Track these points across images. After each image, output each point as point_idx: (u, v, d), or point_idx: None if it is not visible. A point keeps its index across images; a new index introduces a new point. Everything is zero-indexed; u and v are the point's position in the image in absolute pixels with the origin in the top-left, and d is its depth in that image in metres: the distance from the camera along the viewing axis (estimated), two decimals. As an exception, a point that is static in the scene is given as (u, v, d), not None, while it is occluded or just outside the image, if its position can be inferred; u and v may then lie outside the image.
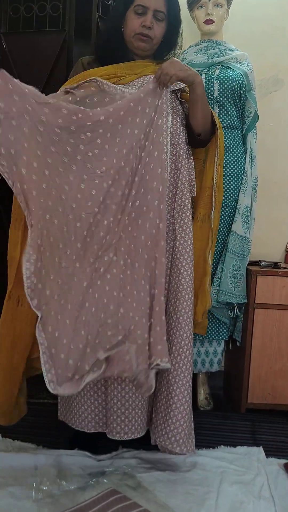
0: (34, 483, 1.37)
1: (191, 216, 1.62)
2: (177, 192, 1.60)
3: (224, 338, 2.14)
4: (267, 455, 1.65)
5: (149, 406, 1.60)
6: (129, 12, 1.56)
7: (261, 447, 1.69)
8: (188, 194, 1.61)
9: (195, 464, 1.57)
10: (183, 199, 1.59)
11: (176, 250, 1.60)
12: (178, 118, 1.59)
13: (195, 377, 2.21)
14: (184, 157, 1.60)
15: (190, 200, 1.62)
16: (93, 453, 1.59)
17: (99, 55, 1.62)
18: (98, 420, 1.55)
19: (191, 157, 1.70)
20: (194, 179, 1.69)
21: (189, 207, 1.61)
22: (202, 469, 1.54)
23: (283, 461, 1.61)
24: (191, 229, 1.61)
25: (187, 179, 1.62)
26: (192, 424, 1.56)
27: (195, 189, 1.69)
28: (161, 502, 1.33)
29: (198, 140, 1.64)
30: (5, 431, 1.69)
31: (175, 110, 1.59)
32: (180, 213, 1.60)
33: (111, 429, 1.51)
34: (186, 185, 1.60)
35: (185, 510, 1.31)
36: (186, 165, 1.61)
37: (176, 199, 1.60)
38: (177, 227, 1.60)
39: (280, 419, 1.98)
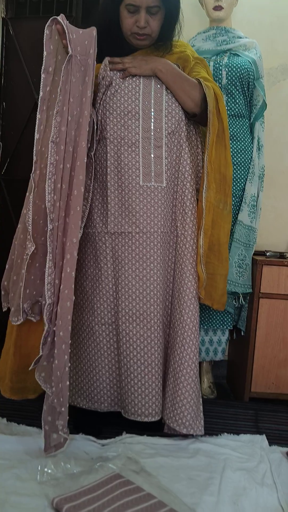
0: (39, 466, 1.38)
1: (194, 209, 1.63)
2: (178, 189, 1.62)
3: (229, 327, 2.14)
4: (270, 443, 1.66)
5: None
6: (121, 7, 1.53)
7: (264, 435, 1.70)
8: (190, 188, 1.62)
9: (198, 450, 1.57)
10: (184, 195, 1.62)
11: (179, 239, 1.63)
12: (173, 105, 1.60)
13: (199, 365, 2.21)
14: (186, 149, 1.62)
15: (193, 193, 1.63)
16: (97, 438, 1.60)
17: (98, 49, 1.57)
18: (113, 398, 1.58)
19: (199, 147, 1.69)
20: (201, 169, 1.69)
21: (192, 201, 1.62)
22: (205, 456, 1.54)
23: (286, 449, 1.62)
24: (194, 221, 1.62)
25: (190, 172, 1.63)
26: (201, 406, 1.59)
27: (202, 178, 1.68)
28: (164, 487, 1.34)
29: (196, 120, 1.65)
30: (10, 416, 1.71)
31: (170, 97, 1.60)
32: (181, 210, 1.62)
33: (127, 409, 1.53)
34: (188, 178, 1.62)
35: (187, 495, 1.32)
36: (189, 158, 1.63)
37: (177, 196, 1.62)
38: (178, 224, 1.63)
39: (283, 408, 1.98)
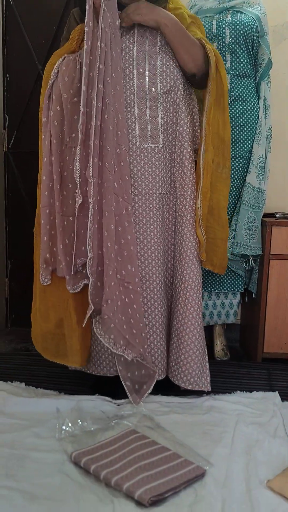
0: (57, 424, 1.43)
1: (193, 169, 1.63)
2: (176, 149, 1.61)
3: (240, 290, 2.16)
4: (283, 400, 1.68)
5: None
6: None
7: (276, 392, 1.72)
8: (188, 148, 1.61)
9: (212, 407, 1.61)
10: (182, 155, 1.61)
11: (178, 201, 1.63)
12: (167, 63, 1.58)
13: (211, 329, 2.24)
14: (183, 108, 1.60)
15: (191, 153, 1.63)
16: (113, 398, 1.65)
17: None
18: None
19: (195, 107, 1.68)
20: (199, 130, 1.68)
21: (190, 161, 1.62)
22: (218, 412, 1.58)
23: (299, 404, 1.65)
24: (193, 181, 1.63)
25: (188, 132, 1.62)
26: (207, 364, 1.65)
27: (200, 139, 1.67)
28: (178, 441, 1.38)
29: (195, 81, 1.62)
30: (28, 380, 1.76)
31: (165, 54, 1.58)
32: (180, 171, 1.62)
33: None
34: (186, 138, 1.61)
35: (201, 447, 1.36)
36: (186, 118, 1.61)
37: (175, 157, 1.62)
38: (177, 185, 1.63)
39: (295, 367, 2.01)
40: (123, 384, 1.58)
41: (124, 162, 1.52)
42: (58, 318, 1.62)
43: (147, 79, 1.55)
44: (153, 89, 1.55)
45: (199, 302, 1.63)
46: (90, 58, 1.42)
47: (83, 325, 1.51)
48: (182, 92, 1.61)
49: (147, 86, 1.55)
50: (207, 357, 1.67)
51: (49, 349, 1.66)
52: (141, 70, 1.55)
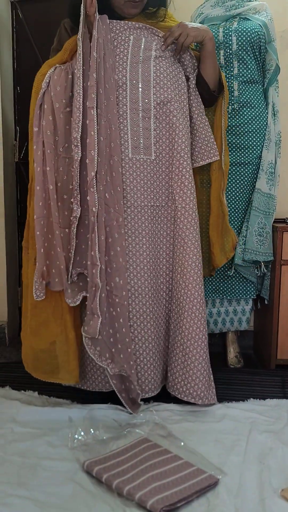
0: (69, 433, 1.44)
1: (193, 180, 1.65)
2: (174, 161, 1.62)
3: (252, 297, 2.14)
4: (297, 407, 1.67)
5: (164, 364, 1.68)
6: None
7: (290, 399, 1.71)
8: (188, 160, 1.63)
9: (225, 415, 1.60)
10: (182, 167, 1.62)
11: (179, 213, 1.63)
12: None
13: (224, 336, 2.23)
14: (180, 120, 1.61)
15: (190, 164, 1.64)
16: (125, 407, 1.65)
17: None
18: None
19: (188, 119, 1.71)
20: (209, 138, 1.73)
21: (190, 172, 1.63)
22: (232, 420, 1.57)
23: (313, 412, 1.63)
24: (194, 193, 1.64)
25: (186, 144, 1.62)
26: (211, 376, 1.65)
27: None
28: (191, 449, 1.37)
29: (213, 96, 1.67)
30: (41, 389, 1.77)
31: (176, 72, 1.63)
32: (179, 183, 1.63)
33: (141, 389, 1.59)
34: (186, 150, 1.62)
35: (214, 456, 1.35)
36: (184, 129, 1.63)
37: (173, 169, 1.62)
38: (177, 197, 1.63)
39: (310, 374, 1.99)
40: (119, 396, 1.56)
41: (116, 173, 1.52)
42: (50, 334, 1.59)
43: (140, 91, 1.55)
44: (146, 100, 1.56)
45: (204, 315, 1.62)
46: (83, 68, 1.44)
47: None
48: (178, 104, 1.61)
49: (140, 98, 1.55)
50: (211, 369, 1.66)
51: (40, 368, 1.62)
52: (134, 81, 1.55)
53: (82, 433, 1.44)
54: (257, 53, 1.99)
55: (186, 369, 1.61)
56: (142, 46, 1.57)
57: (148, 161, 1.58)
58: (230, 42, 1.96)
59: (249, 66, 1.99)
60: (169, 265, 1.67)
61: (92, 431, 1.46)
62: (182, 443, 1.40)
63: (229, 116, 2.00)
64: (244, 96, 2.00)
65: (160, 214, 1.64)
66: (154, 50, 1.58)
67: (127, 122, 1.55)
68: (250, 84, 2.01)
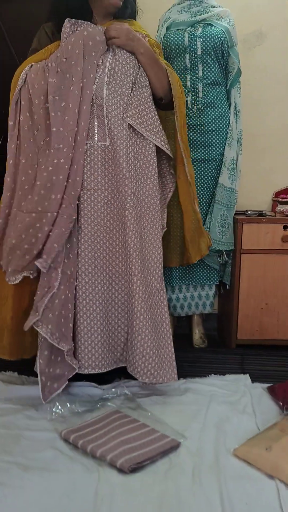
0: (48, 407, 1.59)
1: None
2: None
3: (215, 283, 2.33)
4: (253, 381, 1.85)
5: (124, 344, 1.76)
6: None
7: (247, 375, 1.90)
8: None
9: (188, 389, 1.78)
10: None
11: (145, 200, 1.73)
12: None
13: (190, 319, 2.41)
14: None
15: (154, 155, 1.73)
16: (98, 384, 1.81)
17: (61, 24, 1.64)
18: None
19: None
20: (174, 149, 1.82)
21: (154, 165, 1.74)
22: (194, 393, 1.75)
23: (266, 385, 1.82)
24: (156, 180, 1.75)
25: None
26: (172, 355, 1.71)
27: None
28: (157, 418, 1.55)
29: (162, 104, 1.77)
30: (20, 370, 1.91)
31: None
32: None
33: (81, 364, 1.67)
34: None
35: (177, 424, 1.52)
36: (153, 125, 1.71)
37: (138, 156, 1.72)
38: (144, 185, 1.73)
39: (266, 352, 2.19)
40: (39, 378, 1.58)
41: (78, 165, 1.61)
42: None
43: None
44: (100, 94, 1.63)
45: (160, 300, 1.72)
46: (58, 71, 1.57)
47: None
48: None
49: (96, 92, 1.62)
50: (169, 347, 1.71)
51: None
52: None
53: (60, 407, 1.60)
54: (220, 57, 2.14)
55: (133, 349, 1.67)
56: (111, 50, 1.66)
57: (103, 147, 1.65)
58: (195, 47, 2.10)
59: (213, 69, 2.14)
60: (124, 249, 1.70)
61: (69, 405, 1.62)
62: (150, 414, 1.57)
63: (194, 115, 2.15)
64: (208, 97, 2.15)
65: (116, 198, 1.68)
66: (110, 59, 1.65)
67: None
68: (214, 86, 2.16)
